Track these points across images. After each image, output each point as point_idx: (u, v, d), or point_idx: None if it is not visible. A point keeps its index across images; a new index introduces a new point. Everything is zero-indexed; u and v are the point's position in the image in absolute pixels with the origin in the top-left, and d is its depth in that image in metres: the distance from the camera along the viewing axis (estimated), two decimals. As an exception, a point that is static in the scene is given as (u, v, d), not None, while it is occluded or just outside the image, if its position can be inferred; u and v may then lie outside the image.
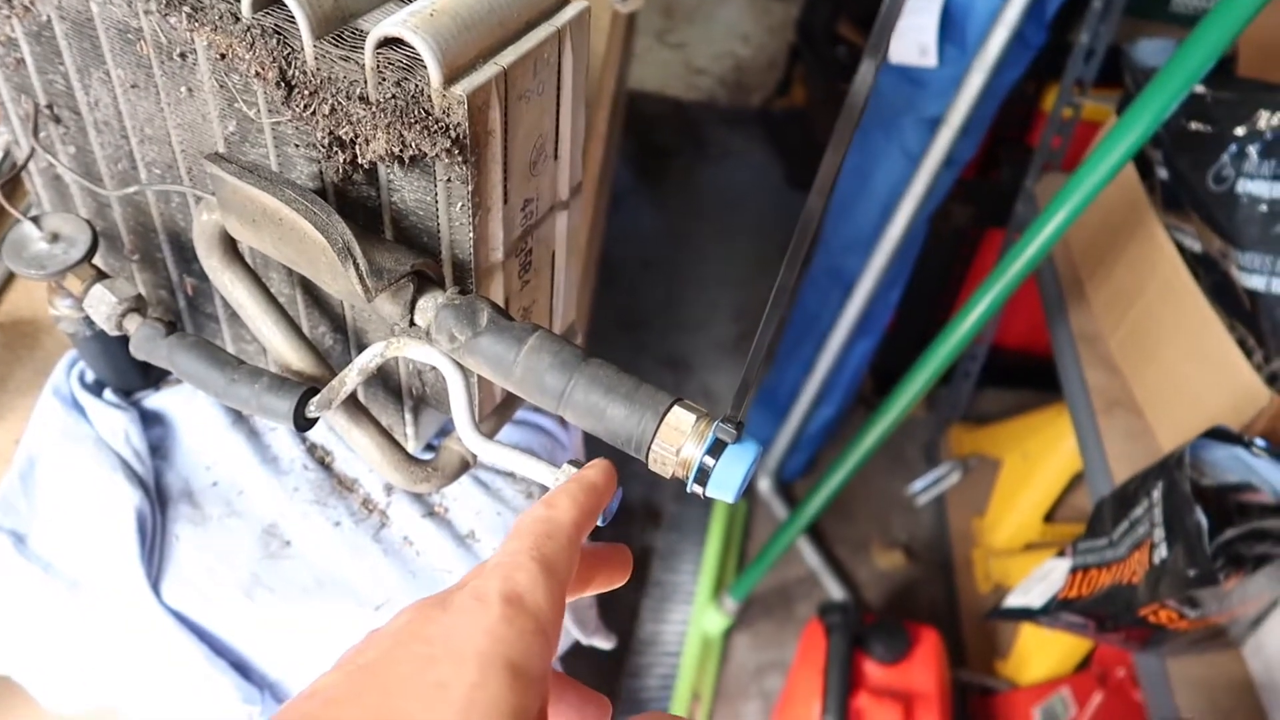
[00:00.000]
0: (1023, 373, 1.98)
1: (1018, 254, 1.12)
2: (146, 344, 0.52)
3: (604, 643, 0.84)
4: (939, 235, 1.74)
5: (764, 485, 1.95)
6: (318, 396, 0.50)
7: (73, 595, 0.62)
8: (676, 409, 0.43)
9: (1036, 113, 1.77)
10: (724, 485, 0.43)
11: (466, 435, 0.47)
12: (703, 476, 0.43)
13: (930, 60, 1.47)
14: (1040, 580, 1.03)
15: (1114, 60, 1.43)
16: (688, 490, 0.44)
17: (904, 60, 1.50)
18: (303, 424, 0.50)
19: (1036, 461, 1.71)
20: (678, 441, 0.43)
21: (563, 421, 0.75)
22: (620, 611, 1.74)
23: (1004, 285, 1.16)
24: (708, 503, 1.87)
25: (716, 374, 2.17)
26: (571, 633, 0.80)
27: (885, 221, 1.55)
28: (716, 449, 0.42)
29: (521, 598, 0.32)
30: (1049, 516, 1.72)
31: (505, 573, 0.33)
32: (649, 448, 0.43)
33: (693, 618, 1.72)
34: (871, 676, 1.38)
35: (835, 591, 1.81)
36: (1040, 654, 1.57)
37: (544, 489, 0.69)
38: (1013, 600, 1.05)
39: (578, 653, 0.87)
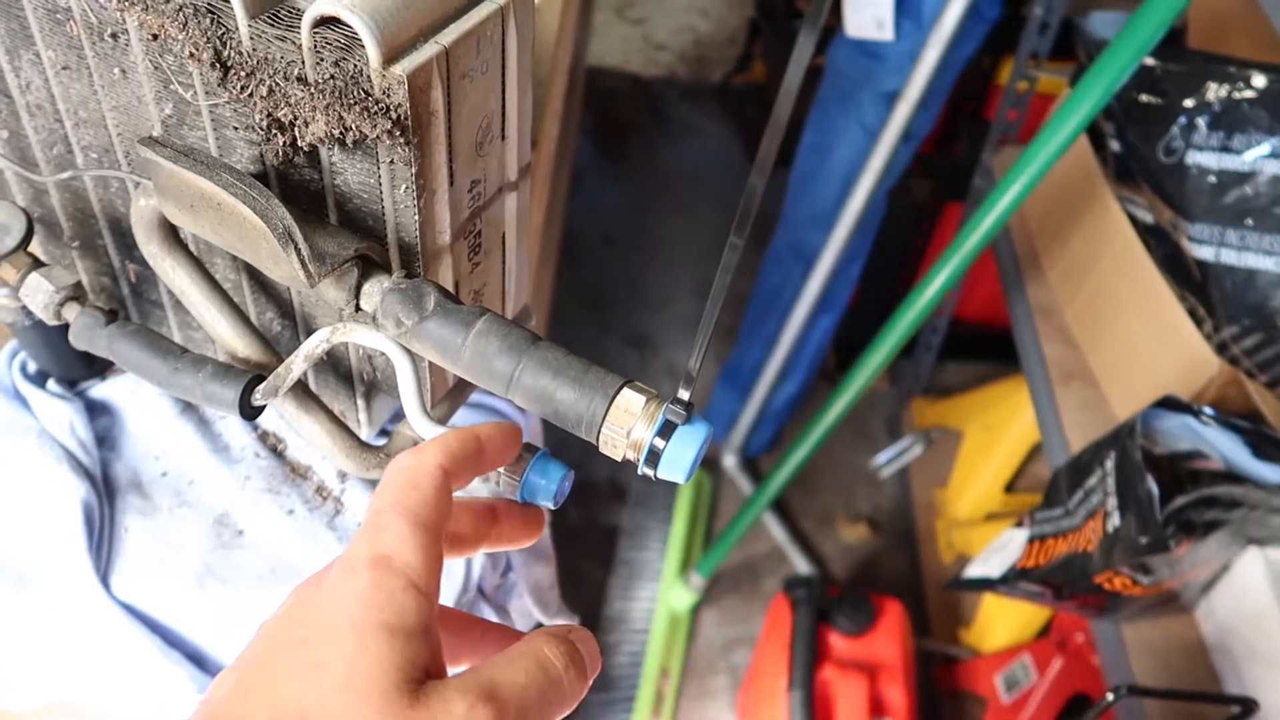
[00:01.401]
0: (983, 345, 2.00)
1: (974, 226, 1.13)
2: (86, 333, 0.51)
3: (566, 621, 0.84)
4: (898, 210, 1.74)
5: (729, 462, 1.96)
6: (264, 384, 0.49)
7: (20, 590, 0.61)
8: (626, 391, 0.43)
9: (993, 86, 1.78)
10: (674, 466, 0.42)
11: (416, 421, 0.47)
12: (653, 458, 0.42)
13: (887, 34, 1.47)
14: (999, 550, 1.05)
15: (1068, 33, 1.44)
16: (639, 472, 0.43)
17: (861, 34, 1.50)
18: (249, 412, 0.49)
19: (997, 433, 1.73)
20: (627, 424, 0.42)
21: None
22: (588, 590, 1.74)
23: (961, 258, 1.17)
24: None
25: (681, 352, 2.17)
26: (534, 614, 0.80)
27: (845, 196, 1.55)
28: (666, 430, 0.42)
29: (389, 558, 0.32)
30: (1009, 487, 1.74)
31: (371, 535, 0.33)
32: (599, 430, 0.43)
33: (660, 594, 1.73)
34: (837, 648, 1.39)
35: (801, 565, 1.83)
36: (1002, 622, 1.59)
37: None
38: (972, 570, 1.06)
39: (543, 633, 0.87)
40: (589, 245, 2.35)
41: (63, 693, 0.70)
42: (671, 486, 1.88)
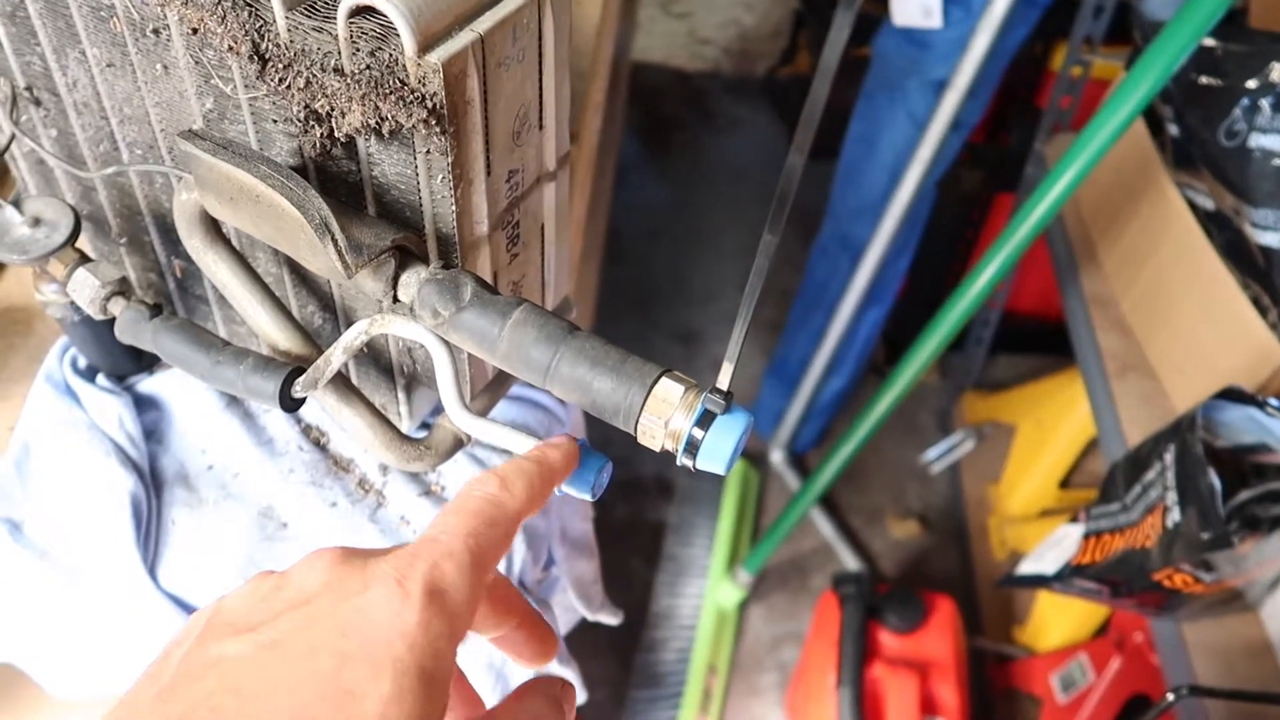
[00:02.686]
0: (1036, 338, 1.96)
1: (1026, 215, 1.10)
2: (131, 327, 0.52)
3: (610, 619, 0.83)
4: (948, 200, 1.71)
5: (776, 457, 1.94)
6: (303, 376, 0.49)
7: (70, 582, 0.62)
8: (664, 380, 0.42)
9: (1045, 72, 1.74)
10: (714, 456, 0.41)
11: (454, 412, 0.46)
12: (691, 448, 0.42)
13: (935, 21, 1.44)
14: (1053, 546, 1.02)
15: (1124, 16, 1.40)
16: (677, 463, 0.43)
17: (908, 22, 1.47)
18: (289, 404, 0.49)
19: (1051, 427, 1.70)
20: (665, 413, 0.42)
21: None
22: (634, 586, 1.74)
23: (1013, 248, 1.14)
24: (719, 476, 1.86)
25: (726, 346, 2.15)
26: (577, 609, 0.80)
27: (893, 187, 1.53)
28: (705, 420, 0.41)
29: (445, 594, 0.31)
30: (1064, 482, 1.70)
31: (434, 558, 0.31)
32: (636, 420, 0.42)
33: (707, 591, 1.72)
34: (887, 646, 1.37)
35: (850, 562, 1.81)
36: (1057, 620, 1.56)
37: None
38: (1025, 567, 1.04)
39: (590, 626, 0.87)
40: (634, 240, 2.35)
41: (112, 683, 0.71)
42: (717, 482, 1.87)
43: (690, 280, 2.28)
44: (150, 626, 0.62)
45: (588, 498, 0.43)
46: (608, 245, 1.87)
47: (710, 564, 1.76)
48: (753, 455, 1.94)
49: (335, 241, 0.44)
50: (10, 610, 0.64)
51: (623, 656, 1.63)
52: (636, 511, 1.84)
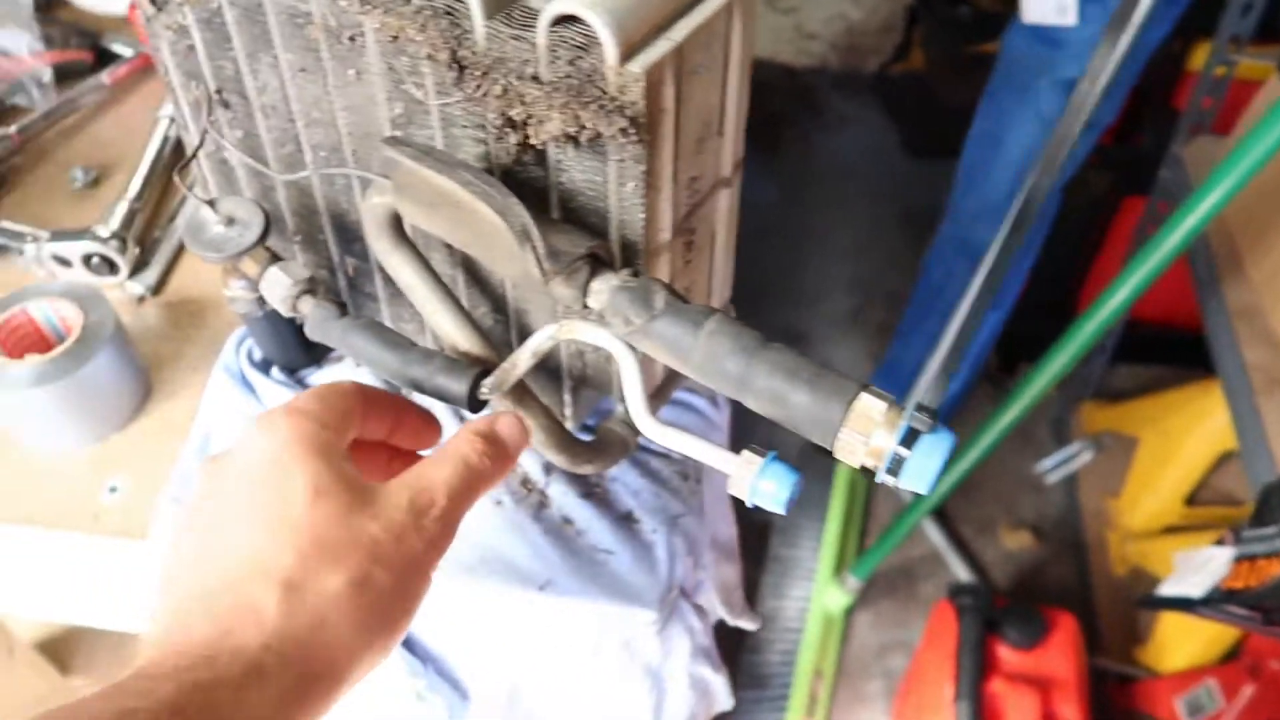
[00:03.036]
0: (1161, 347, 1.88)
1: (1171, 229, 1.06)
2: (321, 325, 0.53)
3: (749, 624, 0.83)
4: (1074, 203, 1.66)
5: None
6: (490, 378, 0.49)
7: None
8: (864, 396, 0.42)
9: (1182, 72, 1.67)
10: (918, 476, 0.41)
11: (641, 420, 0.47)
12: (895, 467, 0.41)
13: (1069, 19, 1.40)
14: (1198, 569, 0.98)
15: (1273, 14, 1.33)
16: (877, 480, 0.42)
17: (1040, 19, 1.43)
18: (476, 405, 0.50)
19: (1178, 441, 1.63)
20: (868, 429, 0.41)
21: (713, 400, 0.74)
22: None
23: (1158, 260, 1.10)
24: (827, 478, 1.84)
25: (834, 348, 2.13)
26: (718, 612, 0.79)
27: (1018, 189, 1.48)
28: (910, 438, 0.41)
29: (301, 409, 0.39)
30: (1191, 499, 1.64)
31: (293, 404, 0.40)
32: (836, 436, 0.42)
33: (814, 595, 1.70)
34: (1006, 662, 1.34)
35: (960, 572, 1.77)
36: (1183, 642, 1.50)
37: (694, 473, 0.69)
38: (1168, 589, 1.00)
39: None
40: (742, 238, 2.33)
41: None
42: (824, 485, 1.85)
43: (798, 280, 2.25)
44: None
45: (781, 511, 0.43)
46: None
47: (817, 567, 1.75)
48: (860, 459, 1.91)
49: (535, 249, 0.45)
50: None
51: (728, 656, 1.62)
52: (741, 510, 1.83)
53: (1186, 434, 1.62)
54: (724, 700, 0.77)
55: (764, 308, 2.20)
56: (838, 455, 0.42)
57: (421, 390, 0.51)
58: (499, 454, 0.43)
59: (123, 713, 0.30)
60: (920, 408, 0.41)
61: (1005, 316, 1.73)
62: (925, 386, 0.42)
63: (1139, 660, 1.57)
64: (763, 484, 0.42)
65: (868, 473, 0.42)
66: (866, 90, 2.76)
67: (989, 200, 1.57)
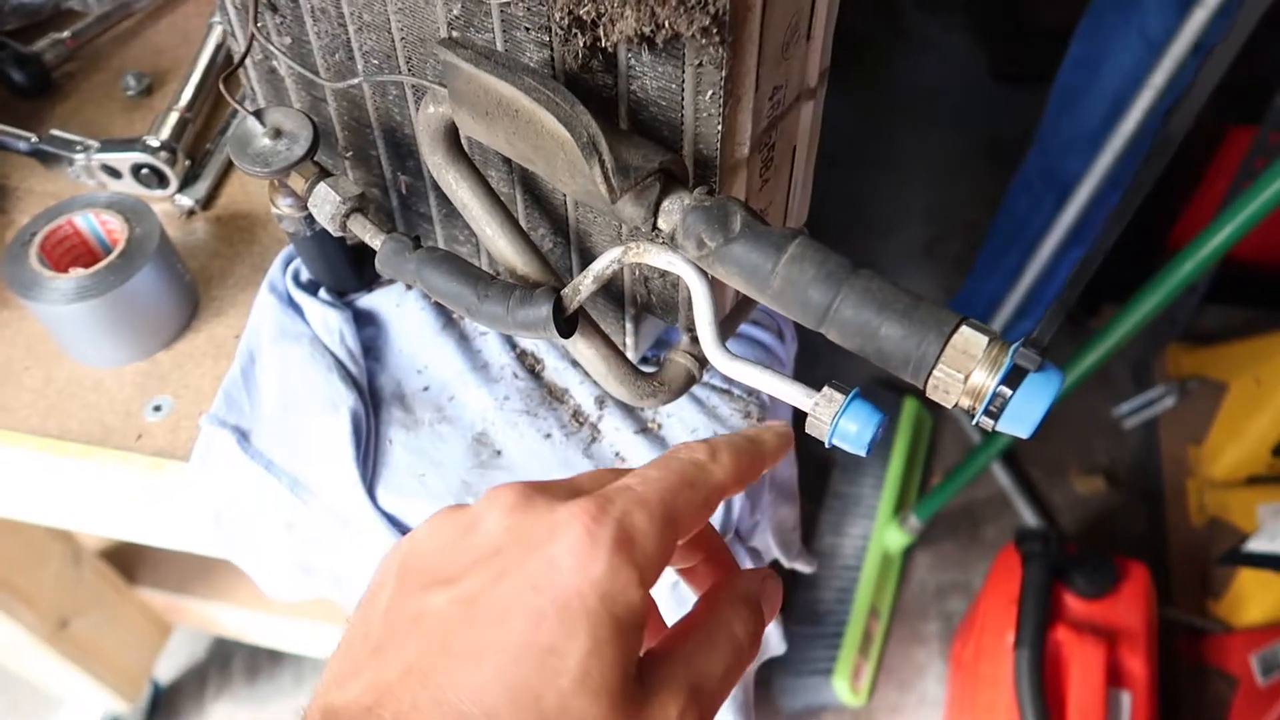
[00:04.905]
0: (1257, 287, 1.78)
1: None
2: (392, 259, 0.50)
3: (805, 566, 0.80)
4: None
5: (952, 400, 1.85)
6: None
7: (292, 494, 0.63)
8: (964, 329, 0.37)
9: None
10: (1020, 419, 0.37)
11: (712, 351, 0.43)
12: (994, 408, 0.37)
13: (1184, -72, 1.29)
14: (1294, 524, 0.92)
15: None
16: (974, 423, 0.38)
17: (1152, -71, 1.32)
18: (567, 330, 0.46)
19: (1270, 388, 1.54)
20: (966, 367, 0.37)
21: (779, 334, 0.70)
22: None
23: (1265, 199, 1.01)
24: (891, 416, 1.79)
25: (905, 281, 2.03)
26: (773, 553, 0.76)
27: (1116, 117, 1.39)
28: (1014, 377, 0.36)
29: (634, 543, 0.30)
30: (1278, 449, 1.56)
31: (627, 506, 0.31)
32: (930, 372, 0.38)
33: (874, 533, 1.67)
34: (1072, 610, 1.29)
35: (1027, 516, 1.72)
36: (1260, 596, 1.44)
37: (763, 408, 0.65)
38: (1257, 545, 0.94)
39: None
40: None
41: (323, 590, 0.73)
42: (889, 423, 1.80)
43: (871, 209, 2.16)
44: (367, 544, 0.63)
45: (863, 453, 0.39)
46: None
47: (878, 505, 1.71)
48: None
49: (603, 163, 0.40)
50: (236, 514, 0.66)
51: (783, 593, 1.61)
52: (804, 445, 1.79)
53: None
54: (776, 645, 0.75)
55: (832, 237, 2.12)
56: (930, 394, 0.38)
57: (502, 327, 0.47)
58: (759, 634, 0.35)
59: None
60: (1029, 342, 0.36)
61: (1091, 253, 1.64)
62: (1042, 321, 0.37)
63: (1212, 613, 1.51)
64: (845, 424, 0.39)
65: (967, 414, 0.38)
66: (953, 9, 2.61)
67: (1083, 129, 1.47)
